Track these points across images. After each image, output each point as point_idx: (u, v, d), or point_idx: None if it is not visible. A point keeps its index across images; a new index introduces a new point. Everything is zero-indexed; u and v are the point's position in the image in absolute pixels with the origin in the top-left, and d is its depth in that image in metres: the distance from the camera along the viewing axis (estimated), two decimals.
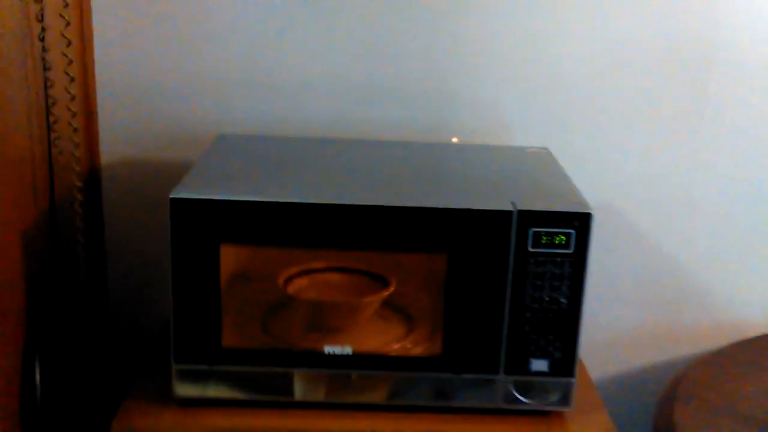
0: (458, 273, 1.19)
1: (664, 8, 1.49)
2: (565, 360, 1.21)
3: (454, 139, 1.53)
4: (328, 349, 1.23)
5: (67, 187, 1.41)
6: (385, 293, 1.29)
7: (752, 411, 1.36)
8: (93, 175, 1.50)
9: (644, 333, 1.64)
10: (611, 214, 1.57)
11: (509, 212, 1.16)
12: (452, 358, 1.22)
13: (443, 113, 1.53)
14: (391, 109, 1.52)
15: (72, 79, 1.40)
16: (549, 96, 1.53)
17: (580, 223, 1.17)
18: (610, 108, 1.54)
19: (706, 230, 1.60)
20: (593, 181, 1.50)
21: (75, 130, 1.41)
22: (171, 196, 1.16)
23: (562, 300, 1.19)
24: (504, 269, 1.18)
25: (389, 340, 1.28)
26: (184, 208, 1.16)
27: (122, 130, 1.52)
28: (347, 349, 1.23)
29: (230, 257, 1.20)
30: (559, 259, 1.18)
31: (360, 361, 1.23)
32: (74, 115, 1.41)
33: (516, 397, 1.23)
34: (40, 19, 1.32)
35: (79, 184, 1.43)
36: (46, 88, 1.36)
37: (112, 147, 1.53)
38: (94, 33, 1.47)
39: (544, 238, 1.17)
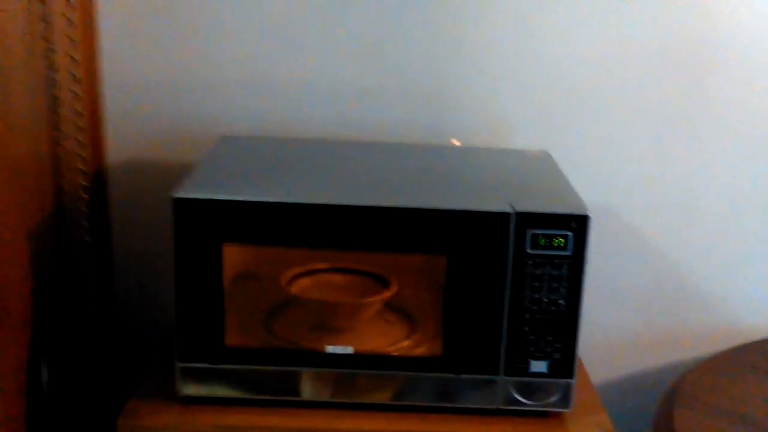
0: (458, 274, 1.20)
1: (664, 10, 1.50)
2: (564, 361, 1.22)
3: (454, 141, 1.54)
4: (330, 348, 1.24)
5: (72, 187, 1.43)
6: (387, 294, 1.31)
7: (752, 414, 1.36)
8: (99, 175, 1.52)
9: (644, 336, 1.65)
10: (611, 216, 1.57)
11: (507, 214, 1.17)
12: (452, 359, 1.23)
13: (443, 115, 1.54)
14: (392, 111, 1.53)
15: (77, 80, 1.41)
16: (549, 98, 1.53)
17: (577, 224, 1.17)
18: (610, 110, 1.54)
19: (706, 233, 1.60)
20: (593, 183, 1.51)
21: (80, 130, 1.43)
22: (174, 195, 1.17)
23: (561, 301, 1.20)
24: (503, 271, 1.19)
25: (390, 340, 1.29)
26: (186, 207, 1.17)
27: (127, 130, 1.53)
28: (349, 349, 1.24)
29: (233, 257, 1.21)
30: (557, 261, 1.18)
31: (361, 361, 1.24)
32: (79, 115, 1.42)
33: (515, 398, 1.24)
34: (45, 19, 1.34)
35: (85, 184, 1.45)
36: (51, 88, 1.37)
37: (117, 147, 1.54)
38: (100, 34, 1.49)
39: (542, 240, 1.18)
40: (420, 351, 1.26)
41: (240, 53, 1.51)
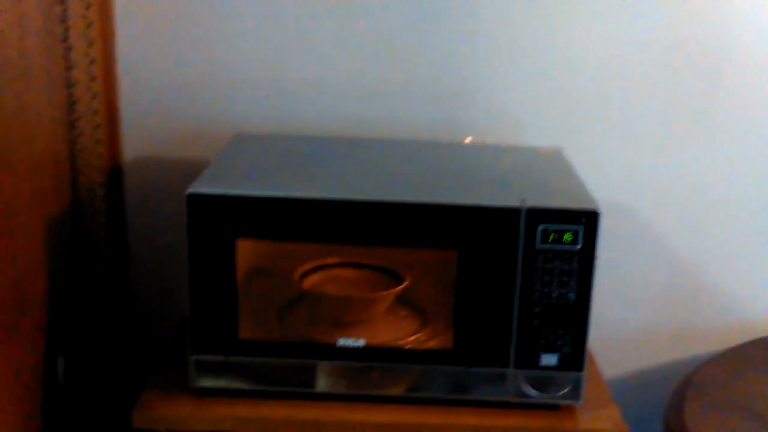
0: (469, 269, 1.21)
1: (677, 8, 1.50)
2: (574, 354, 1.23)
3: (468, 140, 1.55)
4: (342, 342, 1.25)
5: (89, 183, 1.45)
6: (399, 289, 1.32)
7: (764, 410, 1.36)
8: (115, 171, 1.54)
9: (656, 332, 1.65)
10: (624, 212, 1.58)
11: (518, 209, 1.18)
12: (463, 352, 1.24)
13: (457, 113, 1.55)
14: (406, 108, 1.54)
15: (94, 78, 1.43)
16: (563, 96, 1.54)
17: (587, 220, 1.18)
18: (624, 108, 1.55)
19: (719, 229, 1.60)
20: (606, 180, 1.51)
21: (97, 127, 1.45)
22: (188, 191, 1.19)
23: (571, 295, 1.21)
24: (513, 265, 1.20)
25: (402, 334, 1.30)
26: (201, 203, 1.19)
27: (143, 128, 1.55)
28: (361, 343, 1.25)
29: (246, 252, 1.22)
30: (567, 256, 1.19)
31: (373, 354, 1.25)
32: (96, 113, 1.44)
33: (526, 391, 1.25)
34: (64, 19, 1.36)
35: (101, 180, 1.47)
36: (68, 86, 1.39)
37: (133, 144, 1.56)
38: (116, 33, 1.51)
39: (553, 235, 1.19)
40: (431, 344, 1.27)
41: (255, 52, 1.52)
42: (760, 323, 1.64)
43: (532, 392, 1.25)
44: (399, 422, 1.25)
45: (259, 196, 1.19)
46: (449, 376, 1.25)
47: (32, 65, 1.25)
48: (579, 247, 1.19)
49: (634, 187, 1.58)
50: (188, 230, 1.20)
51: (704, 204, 1.59)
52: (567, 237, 1.19)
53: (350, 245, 1.25)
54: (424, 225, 1.20)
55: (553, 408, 1.26)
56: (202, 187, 1.20)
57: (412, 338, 1.29)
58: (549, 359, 1.23)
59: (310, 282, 1.33)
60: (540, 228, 1.18)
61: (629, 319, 1.64)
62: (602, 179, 1.46)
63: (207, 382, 1.26)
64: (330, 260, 1.34)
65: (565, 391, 1.24)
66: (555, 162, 1.42)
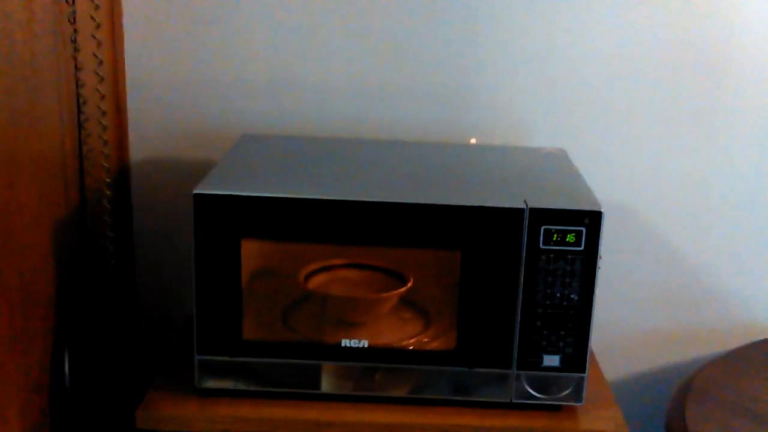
0: (472, 269, 1.21)
1: (680, 9, 1.51)
2: (577, 355, 1.23)
3: (472, 141, 1.56)
4: (346, 343, 1.26)
5: (96, 183, 1.46)
6: (403, 290, 1.32)
7: (765, 411, 1.37)
8: (122, 171, 1.55)
9: (659, 333, 1.65)
10: (627, 213, 1.58)
11: (521, 210, 1.19)
12: (466, 353, 1.25)
13: (461, 114, 1.55)
14: (411, 109, 1.55)
15: (102, 79, 1.44)
16: (567, 97, 1.55)
17: (590, 221, 1.19)
18: (627, 109, 1.55)
19: (721, 230, 1.61)
20: (609, 181, 1.52)
21: (104, 128, 1.46)
22: (194, 191, 1.19)
23: (574, 296, 1.21)
24: (516, 266, 1.20)
25: (405, 335, 1.31)
26: (206, 203, 1.20)
27: (150, 128, 1.56)
28: (364, 344, 1.26)
29: (251, 252, 1.23)
30: (570, 257, 1.20)
31: (377, 355, 1.26)
32: (104, 113, 1.45)
33: (528, 392, 1.25)
34: (72, 21, 1.37)
35: (109, 180, 1.48)
36: (77, 87, 1.40)
37: (140, 145, 1.57)
38: (125, 35, 1.52)
39: (556, 236, 1.19)
40: (434, 345, 1.28)
41: (261, 54, 1.54)
42: (763, 325, 1.64)
43: (535, 393, 1.25)
44: (402, 423, 1.25)
45: (265, 197, 1.20)
46: (452, 377, 1.26)
47: (41, 66, 1.26)
48: (582, 247, 1.20)
49: (637, 187, 1.58)
50: (194, 230, 1.20)
51: (707, 205, 1.60)
52: (570, 238, 1.19)
53: (354, 246, 1.26)
54: (427, 226, 1.21)
55: (556, 409, 1.27)
56: (208, 187, 1.21)
57: (416, 339, 1.30)
58: (551, 360, 1.24)
59: (314, 283, 1.34)
60: (543, 229, 1.19)
61: (632, 320, 1.64)
62: (606, 180, 1.47)
63: (211, 383, 1.27)
64: (334, 261, 1.35)
65: (568, 392, 1.25)
66: (558, 162, 1.43)
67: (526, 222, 1.19)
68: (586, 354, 1.24)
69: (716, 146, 1.57)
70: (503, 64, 1.54)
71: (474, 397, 1.26)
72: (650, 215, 1.60)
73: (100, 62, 1.44)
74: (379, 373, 1.27)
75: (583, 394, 1.25)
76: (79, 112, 1.41)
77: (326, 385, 1.27)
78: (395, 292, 1.33)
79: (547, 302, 1.21)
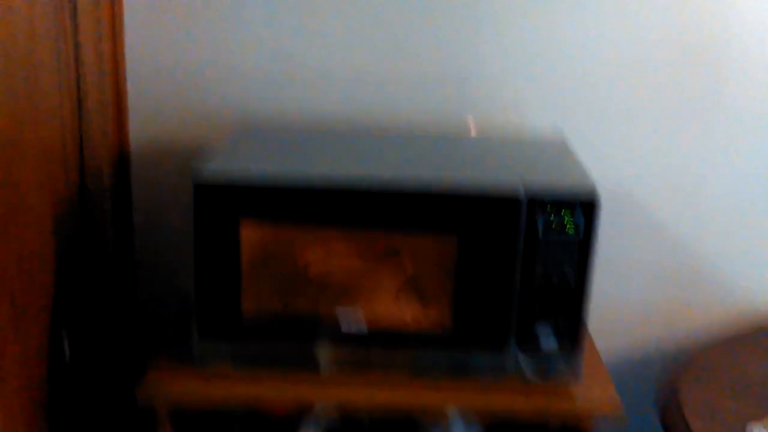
0: (469, 253, 1.23)
1: None
2: (573, 335, 1.25)
3: (470, 119, 1.56)
4: (344, 323, 1.27)
5: (96, 166, 1.46)
6: (400, 270, 1.34)
7: (758, 391, 1.38)
8: (122, 156, 1.55)
9: (654, 314, 1.67)
10: (625, 197, 1.59)
11: (518, 194, 1.20)
12: (463, 333, 1.26)
13: (459, 98, 1.56)
14: (406, 93, 1.56)
15: (102, 65, 1.45)
16: (565, 81, 1.55)
17: (588, 205, 1.20)
18: (625, 93, 1.56)
19: (717, 213, 1.62)
20: (606, 164, 1.53)
21: (104, 114, 1.46)
22: (194, 175, 1.20)
23: (570, 278, 1.23)
24: (513, 249, 1.22)
25: (403, 316, 1.32)
26: (206, 186, 1.21)
27: (150, 114, 1.57)
28: (362, 324, 1.27)
29: (250, 235, 1.24)
30: (567, 240, 1.21)
31: (375, 336, 1.27)
32: (104, 100, 1.46)
33: (524, 371, 1.27)
34: (73, 7, 1.37)
35: (108, 164, 1.48)
36: (77, 73, 1.40)
37: (140, 130, 1.57)
38: (125, 21, 1.52)
39: (553, 219, 1.20)
40: (432, 326, 1.29)
41: (261, 41, 1.54)
42: (757, 307, 1.66)
43: (531, 372, 1.27)
44: (399, 401, 1.27)
45: (263, 180, 1.21)
46: (449, 358, 1.27)
47: (42, 51, 1.27)
48: (579, 231, 1.21)
49: (634, 171, 1.59)
50: (194, 213, 1.22)
51: (703, 188, 1.61)
52: (567, 221, 1.21)
53: (352, 229, 1.27)
54: (425, 210, 1.22)
55: (552, 388, 1.28)
56: (207, 170, 1.22)
57: (413, 319, 1.31)
58: (547, 341, 1.25)
59: (313, 264, 1.35)
60: (540, 211, 1.20)
61: (627, 302, 1.66)
62: (603, 164, 1.48)
63: (211, 361, 1.28)
64: (333, 244, 1.36)
65: (563, 370, 1.26)
66: (556, 147, 1.44)
67: (523, 206, 1.20)
68: (582, 333, 1.25)
69: (713, 130, 1.58)
70: (501, 48, 1.54)
71: (471, 377, 1.28)
72: (647, 197, 1.61)
73: (101, 48, 1.44)
74: (377, 354, 1.28)
75: (579, 373, 1.27)
76: (79, 97, 1.42)
77: (324, 365, 1.28)
78: (393, 272, 1.34)
79: (544, 282, 1.23)
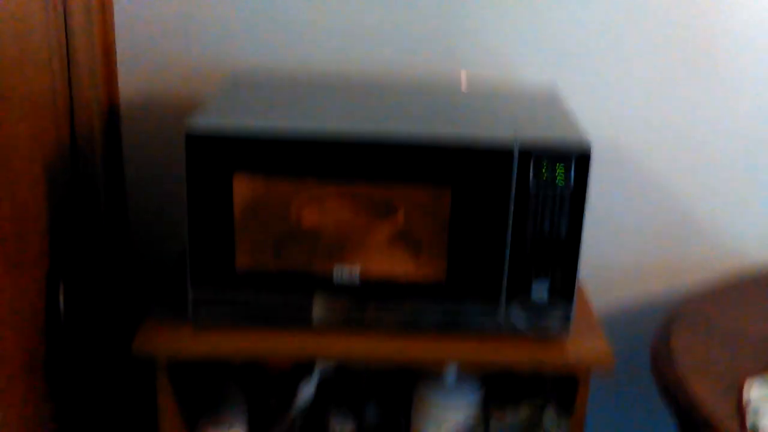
0: (462, 204, 1.23)
1: None
2: (565, 287, 1.26)
3: (463, 74, 1.56)
4: (338, 276, 1.27)
5: (86, 120, 1.45)
6: (394, 222, 1.34)
7: (748, 340, 1.40)
8: (112, 108, 1.55)
9: (647, 266, 1.68)
10: (616, 150, 1.59)
11: (511, 146, 1.20)
12: (456, 285, 1.27)
13: (453, 50, 1.55)
14: (399, 45, 1.55)
15: (90, 17, 1.43)
16: (558, 33, 1.54)
17: (580, 156, 1.20)
18: (620, 46, 1.55)
19: (709, 165, 1.62)
20: (600, 118, 1.53)
21: (93, 67, 1.45)
22: (186, 127, 1.20)
23: (562, 230, 1.23)
24: (506, 201, 1.22)
25: (396, 268, 1.33)
26: (198, 139, 1.20)
27: (139, 67, 1.55)
28: (356, 277, 1.28)
29: (243, 187, 1.24)
30: (559, 191, 1.21)
31: (368, 288, 1.28)
32: (92, 53, 1.45)
33: (517, 323, 1.28)
34: None
35: (99, 116, 1.48)
36: (65, 26, 1.39)
37: (129, 83, 1.56)
38: None
39: (545, 170, 1.21)
40: (425, 278, 1.30)
41: None
42: (747, 257, 1.67)
43: (523, 324, 1.28)
44: (392, 353, 1.28)
45: (256, 131, 1.21)
46: (442, 309, 1.28)
47: (30, 4, 1.25)
48: (571, 182, 1.21)
49: (626, 124, 1.59)
50: (185, 166, 1.21)
51: (695, 140, 1.61)
52: (559, 172, 1.21)
53: (346, 181, 1.27)
54: (418, 161, 1.22)
55: (544, 339, 1.29)
56: (199, 123, 1.21)
57: (407, 272, 1.32)
58: (540, 292, 1.26)
59: (306, 216, 1.35)
60: (533, 163, 1.20)
61: (619, 254, 1.67)
62: (595, 116, 1.48)
63: (205, 315, 1.29)
64: (326, 195, 1.36)
65: (555, 322, 1.28)
66: (548, 99, 1.44)
67: (515, 157, 1.20)
68: (574, 285, 1.26)
69: (706, 83, 1.58)
70: (494, 0, 1.53)
71: (463, 328, 1.29)
72: (639, 150, 1.61)
73: (88, 3, 1.42)
74: (370, 305, 1.29)
75: (571, 325, 1.28)
76: (68, 51, 1.40)
77: (318, 317, 1.29)
78: (386, 225, 1.34)
79: (536, 235, 1.23)
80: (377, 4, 1.53)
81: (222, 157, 1.21)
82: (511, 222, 1.23)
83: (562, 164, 1.20)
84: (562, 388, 1.38)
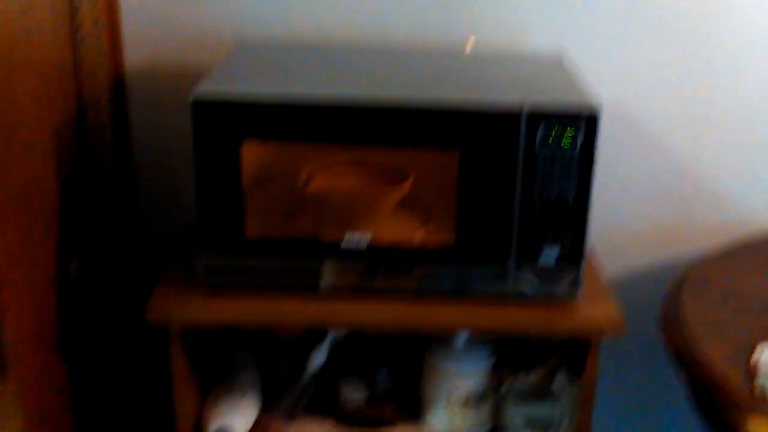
0: (470, 168, 1.23)
1: None
2: (574, 250, 1.26)
3: (471, 41, 1.55)
4: (347, 241, 1.27)
5: (93, 91, 1.46)
6: (403, 188, 1.34)
7: (756, 302, 1.40)
8: (118, 77, 1.54)
9: (655, 231, 1.68)
10: (625, 115, 1.59)
11: (519, 109, 1.20)
12: (465, 250, 1.27)
13: (460, 15, 1.54)
14: (407, 11, 1.54)
15: None
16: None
17: (588, 119, 1.19)
18: (628, 10, 1.54)
19: (720, 133, 1.61)
20: (607, 82, 1.52)
21: (99, 35, 1.45)
22: (193, 94, 1.20)
23: (571, 193, 1.23)
24: (514, 164, 1.22)
25: (405, 233, 1.33)
26: (205, 106, 1.20)
27: (145, 35, 1.55)
28: (365, 242, 1.28)
29: (252, 154, 1.24)
30: (567, 156, 1.21)
31: (378, 253, 1.28)
32: (97, 21, 1.44)
33: (527, 286, 1.28)
34: None
35: (105, 87, 1.48)
36: None
37: (135, 51, 1.56)
38: None
39: (553, 134, 1.20)
40: (434, 243, 1.30)
41: None
42: (756, 221, 1.66)
43: (533, 287, 1.28)
44: (402, 318, 1.29)
45: (263, 98, 1.21)
46: (451, 273, 1.28)
47: None
48: (579, 146, 1.21)
49: (634, 88, 1.58)
50: (193, 134, 1.21)
51: (704, 104, 1.60)
52: (567, 136, 1.20)
53: (354, 146, 1.26)
54: (426, 125, 1.21)
55: (554, 302, 1.29)
56: (206, 90, 1.21)
57: (416, 237, 1.32)
58: (549, 255, 1.26)
59: (315, 183, 1.35)
60: (541, 127, 1.20)
61: (629, 218, 1.66)
62: (603, 80, 1.48)
63: (216, 281, 1.29)
64: (334, 162, 1.36)
65: (565, 285, 1.28)
66: (556, 64, 1.43)
67: (524, 121, 1.20)
68: (583, 249, 1.26)
69: (714, 47, 1.57)
70: None
71: (473, 293, 1.29)
72: (648, 114, 1.60)
73: None
74: (379, 270, 1.29)
75: (580, 288, 1.28)
76: (73, 19, 1.40)
77: (328, 283, 1.29)
78: (395, 190, 1.34)
79: (545, 199, 1.23)
80: None
81: (230, 123, 1.21)
82: (519, 186, 1.23)
83: (570, 127, 1.20)
84: (573, 353, 1.38)
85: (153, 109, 1.59)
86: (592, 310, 1.29)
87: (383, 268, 1.29)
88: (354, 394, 1.48)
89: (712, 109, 1.60)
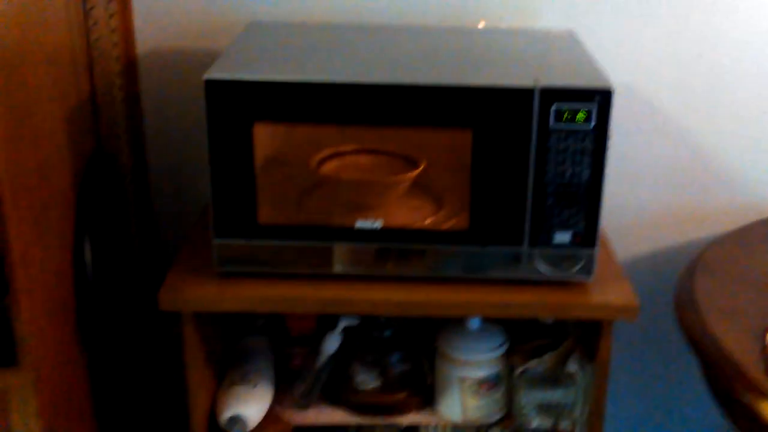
0: (483, 149, 1.22)
1: None
2: (587, 232, 1.25)
3: (482, 23, 1.54)
4: (360, 224, 1.27)
5: (105, 73, 1.46)
6: (416, 172, 1.34)
7: None
8: (130, 60, 1.54)
9: (668, 213, 1.67)
10: (637, 95, 1.58)
11: (531, 89, 1.19)
12: (479, 232, 1.26)
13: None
14: None
15: None
16: None
17: (601, 98, 1.19)
18: None
19: (731, 112, 1.60)
20: (619, 61, 1.52)
21: (111, 17, 1.45)
22: (205, 76, 1.19)
23: (584, 174, 1.22)
24: (527, 145, 1.21)
25: (418, 216, 1.33)
26: (218, 88, 1.20)
27: (157, 17, 1.55)
28: (378, 225, 1.27)
29: (264, 136, 1.24)
30: (580, 134, 1.20)
31: (390, 236, 1.28)
32: (110, 4, 1.44)
33: (540, 268, 1.27)
34: None
35: (118, 69, 1.48)
36: None
37: (147, 33, 1.56)
38: None
39: (566, 114, 1.20)
40: (447, 225, 1.30)
41: None
42: None
43: (546, 269, 1.27)
44: (415, 300, 1.28)
45: (276, 80, 1.20)
46: (465, 256, 1.28)
47: None
48: (592, 125, 1.20)
49: (647, 68, 1.58)
50: (206, 116, 1.21)
51: (717, 86, 1.59)
52: (580, 116, 1.20)
53: (366, 127, 1.26)
54: (439, 106, 1.21)
55: (567, 284, 1.29)
56: (219, 72, 1.21)
57: (429, 220, 1.32)
58: (562, 237, 1.26)
59: (327, 167, 1.35)
60: (553, 107, 1.19)
61: (642, 200, 1.66)
62: (615, 60, 1.47)
63: (229, 266, 1.29)
64: (347, 146, 1.36)
65: (578, 267, 1.27)
66: (568, 43, 1.42)
67: (536, 100, 1.19)
68: (597, 230, 1.25)
69: (727, 27, 1.56)
70: None
71: (487, 275, 1.28)
72: (660, 96, 1.59)
73: None
74: (392, 254, 1.29)
75: (594, 270, 1.27)
76: (85, 4, 1.40)
77: (341, 266, 1.29)
78: (408, 174, 1.34)
79: (558, 180, 1.22)
80: None
81: (242, 104, 1.21)
82: (532, 167, 1.22)
83: (583, 106, 1.19)
84: (586, 335, 1.38)
85: (165, 92, 1.59)
86: (605, 293, 1.29)
87: (396, 251, 1.29)
88: (367, 382, 1.48)
89: (725, 89, 1.59)
